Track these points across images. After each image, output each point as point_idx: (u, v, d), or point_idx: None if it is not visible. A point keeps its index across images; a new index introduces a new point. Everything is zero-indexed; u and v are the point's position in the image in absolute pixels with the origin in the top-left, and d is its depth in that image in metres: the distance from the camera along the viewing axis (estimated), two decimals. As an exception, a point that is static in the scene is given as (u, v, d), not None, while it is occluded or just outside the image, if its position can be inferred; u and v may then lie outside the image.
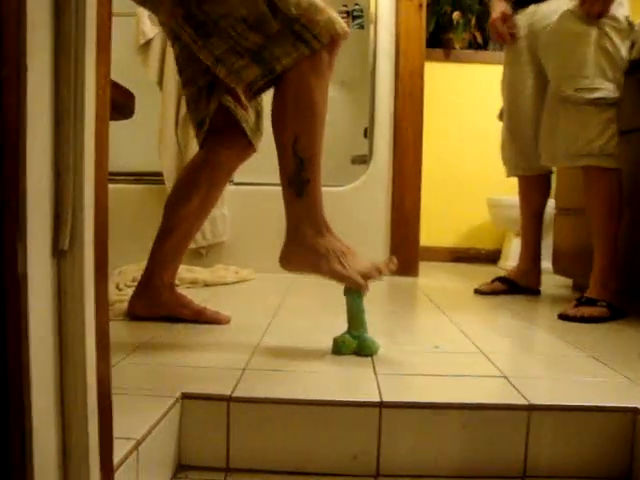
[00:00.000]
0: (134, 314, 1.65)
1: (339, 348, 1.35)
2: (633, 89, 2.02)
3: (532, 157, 2.25)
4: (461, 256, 3.82)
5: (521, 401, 1.06)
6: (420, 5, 2.91)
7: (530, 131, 2.23)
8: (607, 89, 1.94)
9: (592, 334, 1.72)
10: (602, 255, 2.00)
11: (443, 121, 3.72)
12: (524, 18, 2.21)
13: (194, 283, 2.30)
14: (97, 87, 0.58)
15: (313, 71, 1.36)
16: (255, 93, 1.43)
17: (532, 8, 2.16)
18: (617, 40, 1.95)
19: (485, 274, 2.55)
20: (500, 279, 2.42)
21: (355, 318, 1.37)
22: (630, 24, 1.98)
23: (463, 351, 1.43)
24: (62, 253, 0.55)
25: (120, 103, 1.04)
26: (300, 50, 1.34)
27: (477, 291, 2.40)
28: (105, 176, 0.60)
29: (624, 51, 1.98)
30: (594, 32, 1.94)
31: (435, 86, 3.44)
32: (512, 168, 2.38)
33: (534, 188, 2.38)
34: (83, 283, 0.55)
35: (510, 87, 2.29)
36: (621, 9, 1.97)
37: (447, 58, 3.83)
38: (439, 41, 3.91)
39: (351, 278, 1.37)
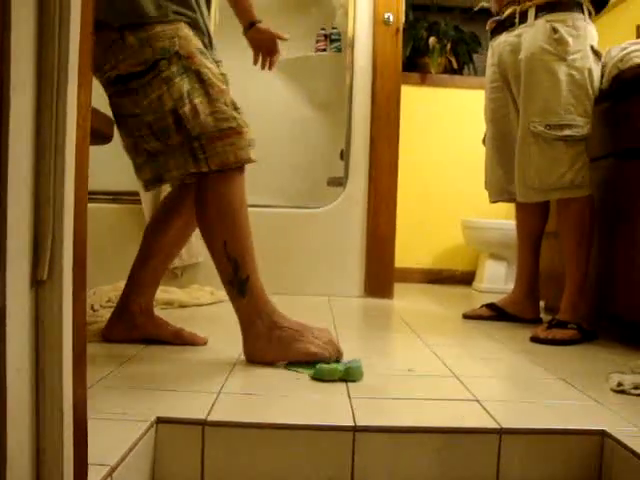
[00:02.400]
0: (110, 338, 1.64)
1: (322, 375, 1.34)
2: (599, 118, 2.10)
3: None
4: (435, 277, 3.85)
5: (492, 425, 1.08)
6: (397, 30, 2.97)
7: (514, 156, 2.18)
8: (577, 125, 1.97)
9: (562, 356, 1.75)
10: (573, 279, 2.03)
11: (418, 144, 3.77)
12: (496, 47, 2.22)
13: (169, 304, 2.29)
14: (78, 117, 0.59)
15: (227, 183, 1.45)
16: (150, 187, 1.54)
17: (503, 37, 2.17)
18: (586, 72, 1.98)
19: (459, 295, 2.58)
20: (489, 305, 2.38)
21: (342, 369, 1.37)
22: (596, 53, 2.03)
23: (436, 374, 1.45)
24: (40, 283, 0.55)
25: (99, 130, 1.04)
26: (188, 167, 1.43)
27: (465, 316, 2.37)
28: (84, 207, 0.61)
29: (596, 81, 2.02)
30: (563, 66, 1.97)
31: (411, 109, 3.49)
32: (496, 193, 2.35)
33: (530, 213, 2.30)
34: (61, 313, 0.56)
35: (492, 113, 2.29)
36: (588, 40, 2.00)
37: (423, 82, 3.89)
38: (415, 65, 3.98)
39: (318, 355, 1.42)
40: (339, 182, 3.05)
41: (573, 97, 1.97)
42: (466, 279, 3.80)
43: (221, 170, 1.43)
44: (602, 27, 3.37)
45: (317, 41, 3.79)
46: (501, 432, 1.06)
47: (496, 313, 2.34)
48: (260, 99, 3.75)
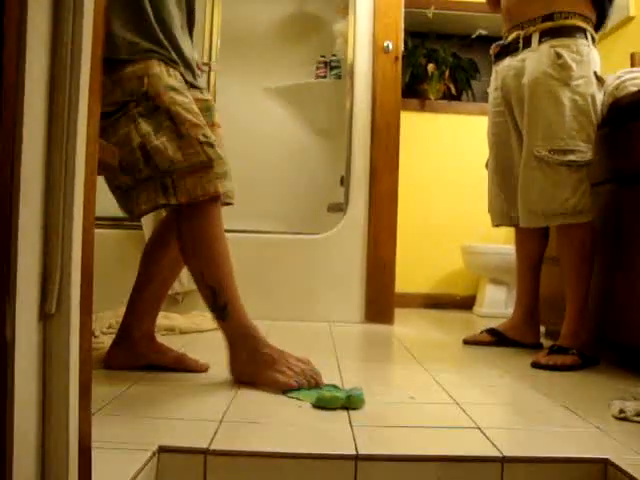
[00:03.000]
0: (112, 365, 1.64)
1: (325, 403, 1.33)
2: (598, 144, 2.12)
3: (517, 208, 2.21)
4: (436, 302, 3.85)
5: (494, 453, 1.08)
6: (396, 58, 3.01)
7: (517, 178, 2.17)
8: (580, 151, 1.97)
9: (563, 383, 1.75)
10: (574, 304, 2.03)
11: (418, 169, 3.80)
12: (500, 71, 2.22)
13: (171, 330, 2.29)
14: (87, 150, 0.61)
15: (200, 215, 1.51)
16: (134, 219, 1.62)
17: (507, 61, 2.17)
18: (589, 98, 1.98)
19: (459, 320, 2.58)
20: (489, 330, 2.37)
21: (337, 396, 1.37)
22: (599, 79, 2.02)
23: (438, 402, 1.45)
24: (48, 316, 0.56)
25: (105, 161, 1.06)
26: (158, 199, 1.47)
27: (465, 341, 2.37)
28: (92, 239, 0.62)
29: (599, 106, 2.02)
30: (567, 91, 1.97)
31: (410, 135, 3.52)
32: (499, 217, 2.34)
33: (530, 237, 2.30)
34: (68, 346, 0.57)
35: (494, 137, 2.29)
36: (592, 65, 2.01)
37: (422, 108, 3.93)
38: (414, 92, 4.02)
39: (284, 385, 1.45)
40: (339, 208, 3.07)
41: (576, 122, 1.97)
42: (466, 304, 3.79)
43: (191, 204, 1.48)
44: (609, 45, 3.43)
45: (317, 68, 3.84)
46: (503, 460, 1.06)
47: (496, 338, 2.33)
48: (260, 125, 3.79)
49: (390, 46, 2.97)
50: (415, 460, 1.07)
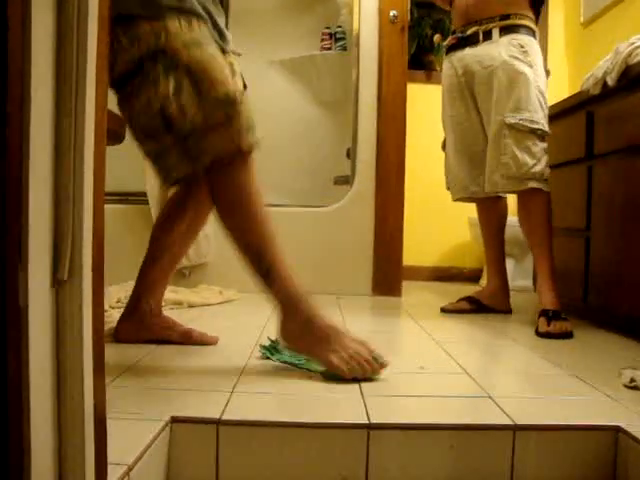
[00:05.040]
0: (121, 339, 1.64)
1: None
2: (606, 116, 2.13)
3: (482, 181, 2.37)
4: (443, 275, 3.85)
5: (506, 421, 1.08)
6: (402, 28, 2.97)
7: (478, 156, 2.37)
8: (543, 123, 2.20)
9: (572, 351, 1.76)
10: (548, 265, 2.19)
11: (425, 141, 3.75)
12: (460, 59, 2.38)
13: (178, 304, 2.30)
14: (96, 117, 0.59)
15: (230, 174, 1.42)
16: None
17: (467, 50, 2.35)
18: (542, 84, 2.23)
19: (466, 293, 2.57)
20: (467, 298, 2.48)
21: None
22: (548, 72, 2.33)
23: (448, 371, 1.45)
24: (61, 283, 0.56)
25: (112, 130, 1.05)
26: (184, 167, 1.41)
27: (443, 309, 2.47)
28: (102, 204, 0.61)
29: (547, 97, 2.26)
30: (532, 72, 2.20)
31: (417, 107, 3.48)
32: (460, 191, 2.48)
33: (493, 210, 2.49)
34: (82, 312, 0.56)
35: (455, 118, 2.44)
36: (541, 59, 2.26)
37: (428, 80, 3.88)
38: (421, 63, 3.97)
39: (335, 366, 1.33)
40: (346, 181, 3.05)
41: (537, 100, 2.20)
42: (474, 276, 3.79)
43: (218, 163, 1.41)
44: (609, 22, 3.38)
45: (322, 40, 3.80)
46: (515, 428, 1.06)
47: (475, 306, 2.44)
48: (266, 98, 3.75)
49: (396, 16, 2.93)
50: (427, 429, 1.07)
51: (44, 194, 0.55)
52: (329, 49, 3.76)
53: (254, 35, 3.70)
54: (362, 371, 1.32)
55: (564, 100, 2.55)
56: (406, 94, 2.95)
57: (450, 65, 2.44)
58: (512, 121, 2.17)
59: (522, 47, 2.22)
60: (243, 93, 1.51)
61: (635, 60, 1.98)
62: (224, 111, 1.40)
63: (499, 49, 2.25)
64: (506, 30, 2.26)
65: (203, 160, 1.41)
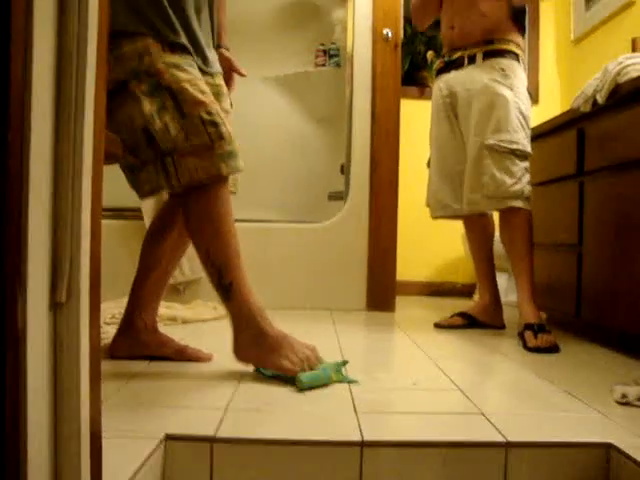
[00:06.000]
0: (116, 355, 1.65)
1: (311, 384, 1.39)
2: (597, 134, 2.16)
3: (462, 199, 2.41)
4: (437, 290, 3.86)
5: (498, 438, 1.09)
6: (395, 46, 3.00)
7: (461, 175, 2.42)
8: (523, 144, 2.26)
9: (563, 367, 1.77)
10: (528, 280, 2.24)
11: (418, 156, 3.75)
12: (446, 81, 2.46)
13: (173, 320, 2.30)
14: (94, 144, 0.61)
15: (205, 196, 1.48)
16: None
17: (453, 73, 2.44)
18: (524, 105, 2.29)
19: (460, 308, 2.59)
20: (460, 314, 2.50)
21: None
22: (530, 94, 2.36)
23: (441, 388, 1.46)
24: (59, 305, 0.57)
25: (109, 151, 1.06)
26: (160, 182, 1.47)
27: (436, 325, 2.48)
28: (99, 227, 0.62)
29: (530, 117, 2.33)
30: (512, 95, 2.26)
31: (410, 122, 3.51)
32: (440, 209, 2.52)
33: (476, 226, 2.53)
34: (79, 334, 0.57)
35: (437, 139, 2.51)
36: (524, 82, 2.33)
37: (422, 96, 3.92)
38: (414, 79, 4.01)
39: (288, 370, 1.44)
40: (340, 196, 3.07)
41: (518, 121, 2.26)
42: (467, 291, 3.80)
43: (196, 184, 1.46)
44: (598, 40, 3.43)
45: (316, 56, 3.83)
46: (507, 445, 1.07)
47: (468, 321, 2.47)
48: (260, 114, 3.78)
49: (389, 34, 2.97)
50: (420, 446, 1.07)
51: (43, 218, 0.56)
52: (323, 65, 3.80)
53: (249, 51, 3.72)
54: (312, 368, 1.45)
55: (555, 117, 2.58)
56: (399, 111, 2.98)
57: (438, 87, 2.52)
58: (491, 142, 2.24)
59: (503, 70, 2.30)
60: (227, 116, 1.57)
61: (624, 79, 2.01)
62: (208, 134, 1.45)
63: (481, 73, 2.33)
64: (490, 55, 2.34)
65: (181, 179, 1.45)
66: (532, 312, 2.17)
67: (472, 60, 2.38)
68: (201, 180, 1.45)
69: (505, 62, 2.32)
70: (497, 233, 2.55)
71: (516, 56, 2.36)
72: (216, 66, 1.71)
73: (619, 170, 2.04)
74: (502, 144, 2.23)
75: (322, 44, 3.82)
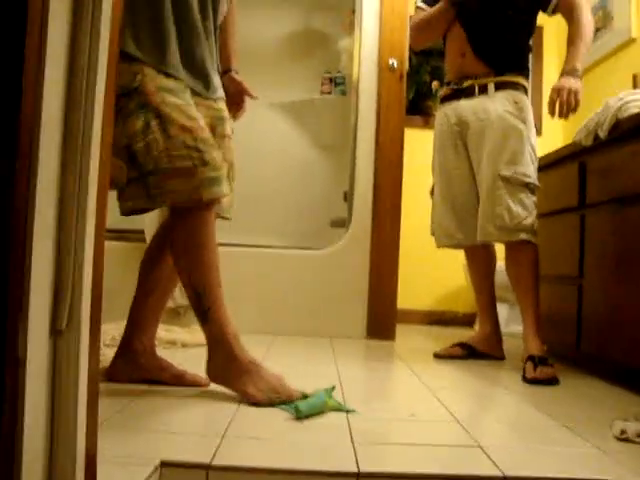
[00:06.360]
0: (114, 379, 1.64)
1: (310, 412, 1.38)
2: (599, 167, 2.19)
3: (469, 229, 2.41)
4: (437, 319, 3.85)
5: (495, 472, 1.08)
6: (401, 76, 3.03)
7: (466, 206, 2.43)
8: (534, 177, 2.28)
9: (563, 400, 1.76)
10: (533, 313, 2.24)
11: (420, 185, 3.77)
12: (455, 109, 2.44)
13: (172, 343, 2.30)
14: (99, 176, 0.62)
15: (190, 220, 1.52)
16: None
17: (462, 102, 2.42)
18: (534, 139, 2.32)
19: (460, 337, 2.58)
20: (460, 344, 2.49)
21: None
22: (535, 126, 2.36)
23: (439, 419, 1.45)
24: (59, 332, 0.57)
25: (113, 177, 1.08)
26: (141, 201, 1.49)
27: (436, 355, 2.47)
28: (102, 255, 0.63)
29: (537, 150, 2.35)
30: (525, 128, 2.28)
31: (414, 151, 3.53)
32: (445, 239, 2.52)
33: (479, 256, 2.53)
34: (78, 362, 0.58)
35: (443, 166, 2.49)
36: (532, 115, 2.33)
37: (426, 125, 3.94)
38: (418, 108, 4.05)
39: (252, 397, 1.48)
40: (342, 223, 3.08)
41: (529, 155, 2.28)
42: (468, 321, 3.79)
43: (180, 208, 1.50)
44: (599, 75, 3.46)
45: (322, 84, 3.87)
46: (504, 480, 1.06)
47: (467, 352, 2.46)
48: (265, 140, 3.82)
49: (395, 64, 3.00)
50: (416, 478, 1.07)
51: (47, 245, 0.57)
52: (329, 93, 3.84)
53: (256, 77, 3.74)
54: (277, 397, 1.47)
55: (558, 150, 2.60)
56: (403, 140, 3.00)
57: (444, 114, 2.50)
58: (507, 174, 2.24)
59: (517, 103, 2.31)
60: (225, 141, 1.64)
61: (625, 114, 2.04)
62: (191, 159, 1.47)
63: (495, 103, 2.33)
64: (501, 86, 2.34)
65: (161, 201, 1.49)
66: (536, 345, 2.16)
67: (483, 90, 2.38)
68: (182, 203, 1.49)
69: (518, 95, 2.33)
70: (499, 263, 2.55)
71: (525, 89, 2.37)
72: (219, 91, 1.73)
73: (620, 204, 2.05)
74: (517, 176, 2.24)
75: (328, 72, 3.87)
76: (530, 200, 2.26)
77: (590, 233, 2.28)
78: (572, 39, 2.25)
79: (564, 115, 2.17)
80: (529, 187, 2.25)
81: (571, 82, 2.15)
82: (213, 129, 1.65)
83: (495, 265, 2.56)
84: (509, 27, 2.35)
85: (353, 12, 3.22)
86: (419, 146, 3.74)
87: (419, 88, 4.08)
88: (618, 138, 2.08)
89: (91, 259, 0.60)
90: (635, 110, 2.01)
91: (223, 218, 1.73)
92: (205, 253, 1.53)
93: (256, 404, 1.46)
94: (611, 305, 2.09)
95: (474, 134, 2.38)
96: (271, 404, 1.46)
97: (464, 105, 2.42)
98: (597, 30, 3.41)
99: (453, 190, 2.46)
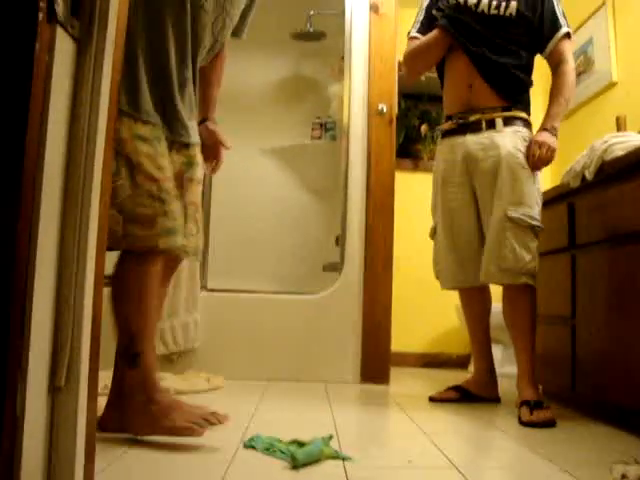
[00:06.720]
0: (107, 428, 1.61)
1: (307, 460, 1.37)
2: (587, 207, 2.23)
3: (470, 270, 2.39)
4: (432, 361, 3.84)
5: (495, 521, 1.07)
6: (390, 120, 3.09)
7: (469, 245, 2.39)
8: (539, 220, 2.25)
9: (561, 444, 1.74)
10: (529, 358, 2.22)
11: (411, 228, 3.82)
12: (461, 145, 2.37)
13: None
14: (98, 229, 0.63)
15: (138, 263, 1.57)
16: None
17: (469, 137, 2.35)
18: (539, 178, 2.30)
19: (455, 380, 2.57)
20: (454, 387, 2.47)
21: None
22: None
23: (436, 466, 1.44)
24: (57, 389, 0.57)
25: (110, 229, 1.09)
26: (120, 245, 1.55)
27: (431, 399, 2.44)
28: (100, 311, 0.64)
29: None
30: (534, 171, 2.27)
31: (404, 194, 3.57)
32: (450, 280, 2.48)
33: (475, 298, 2.50)
34: (76, 418, 0.58)
35: (447, 205, 2.43)
36: None
37: (416, 168, 4.01)
38: (408, 152, 4.11)
39: (182, 430, 1.49)
40: (335, 267, 3.09)
41: (535, 196, 2.26)
42: (462, 363, 3.78)
43: (131, 253, 1.55)
44: (583, 117, 3.54)
45: (313, 129, 3.93)
46: (504, 529, 1.05)
47: (461, 394, 2.44)
48: (256, 185, 3.85)
49: (384, 109, 3.06)
50: (415, 529, 1.05)
51: (46, 302, 0.57)
52: (319, 138, 3.89)
53: (247, 123, 3.83)
54: (206, 424, 1.49)
55: (546, 191, 2.64)
56: (394, 183, 3.04)
57: (448, 150, 2.43)
58: (514, 215, 2.21)
59: (525, 141, 2.28)
60: (194, 185, 1.69)
61: (610, 157, 2.08)
62: (152, 207, 1.54)
63: (504, 139, 2.28)
64: (509, 121, 2.31)
65: (121, 243, 1.53)
66: (530, 391, 2.14)
67: (491, 125, 2.32)
68: (138, 248, 1.54)
69: (525, 131, 2.30)
70: (494, 304, 2.55)
71: (530, 125, 2.35)
72: (195, 137, 1.78)
73: (609, 244, 2.08)
74: (524, 218, 2.20)
75: (318, 117, 3.93)
76: (534, 244, 2.24)
77: (581, 273, 2.29)
78: (555, 95, 2.30)
79: (538, 168, 2.25)
80: (534, 230, 2.23)
81: (551, 140, 2.23)
82: (181, 174, 1.71)
83: (490, 307, 2.53)
84: (514, 57, 2.32)
85: (342, 59, 3.29)
86: (409, 189, 3.79)
87: (408, 132, 4.15)
88: (604, 179, 2.12)
89: (90, 315, 0.61)
90: (620, 152, 2.05)
91: (181, 259, 1.77)
92: (147, 299, 1.57)
93: (190, 434, 1.47)
94: (604, 345, 2.10)
95: (484, 172, 2.31)
96: (192, 434, 1.47)
97: (471, 140, 2.35)
98: (579, 74, 3.51)
99: (457, 230, 2.41)
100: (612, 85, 3.23)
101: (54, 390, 0.58)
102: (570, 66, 2.32)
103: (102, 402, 1.70)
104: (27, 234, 0.55)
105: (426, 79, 3.97)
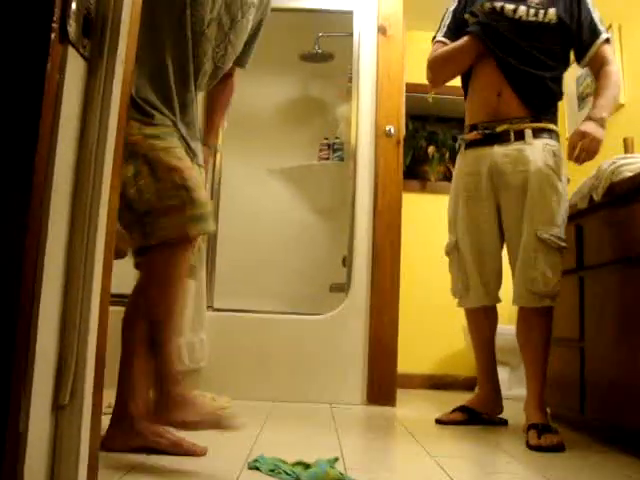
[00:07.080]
0: (111, 448, 1.59)
1: None
2: (597, 228, 2.21)
3: (492, 288, 2.35)
4: (438, 383, 3.80)
5: None
6: (398, 142, 3.09)
7: (492, 263, 2.33)
8: (565, 240, 2.17)
9: (572, 469, 1.72)
10: (539, 383, 2.17)
11: (419, 250, 3.83)
12: (487, 157, 2.28)
13: (171, 411, 2.25)
14: (105, 246, 0.63)
15: (168, 254, 1.60)
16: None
17: (496, 148, 2.25)
18: (566, 195, 2.22)
19: (462, 402, 2.54)
20: (460, 408, 2.44)
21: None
22: (568, 180, 2.27)
23: (444, 490, 1.42)
24: (61, 407, 0.57)
25: (118, 248, 1.09)
26: (139, 241, 1.60)
27: (438, 421, 2.41)
28: (106, 328, 0.64)
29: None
30: (561, 185, 2.18)
31: (412, 215, 3.57)
32: (475, 300, 2.39)
33: (483, 319, 2.45)
34: (80, 435, 0.57)
35: (468, 220, 2.35)
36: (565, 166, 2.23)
37: (423, 189, 4.01)
38: (415, 173, 4.12)
39: (196, 426, 1.55)
40: (341, 288, 3.08)
41: (563, 215, 2.19)
42: (469, 384, 3.74)
43: (163, 243, 1.57)
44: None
45: (320, 150, 3.95)
46: None
47: (468, 415, 2.40)
48: (264, 206, 3.86)
49: (392, 130, 3.07)
50: None
51: (52, 319, 0.57)
52: (327, 159, 3.90)
53: (255, 144, 3.86)
54: (217, 419, 1.52)
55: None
56: (401, 205, 3.03)
57: (473, 161, 2.32)
58: (545, 236, 2.13)
59: (555, 156, 2.19)
60: (201, 185, 1.69)
61: (618, 178, 2.08)
62: (178, 196, 1.57)
63: (534, 153, 2.19)
64: (539, 132, 2.22)
65: (154, 238, 1.57)
66: (539, 415, 2.10)
67: (520, 136, 2.22)
68: (171, 239, 1.57)
69: (557, 147, 2.22)
70: (499, 325, 2.53)
71: (558, 136, 2.28)
72: (199, 158, 1.82)
73: (617, 265, 2.07)
74: (554, 239, 2.13)
75: (326, 138, 3.95)
76: (561, 265, 2.17)
77: (589, 295, 2.28)
78: (603, 89, 2.21)
79: (580, 161, 2.10)
80: (562, 251, 2.16)
81: (597, 130, 2.10)
82: None
83: (496, 327, 2.49)
84: (546, 67, 2.24)
85: (350, 80, 3.31)
86: (416, 211, 3.79)
87: (416, 153, 4.17)
88: (613, 201, 2.12)
89: (95, 332, 0.61)
90: (628, 174, 2.05)
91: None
92: (174, 289, 1.61)
93: (202, 428, 1.53)
94: (613, 368, 2.07)
95: (512, 187, 2.22)
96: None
97: (498, 152, 2.25)
98: (586, 97, 3.52)
99: (481, 246, 2.32)
100: (619, 107, 3.24)
101: (58, 408, 0.57)
102: (615, 67, 2.26)
103: (105, 421, 1.70)
104: (34, 252, 0.55)
105: (433, 100, 4.02)
